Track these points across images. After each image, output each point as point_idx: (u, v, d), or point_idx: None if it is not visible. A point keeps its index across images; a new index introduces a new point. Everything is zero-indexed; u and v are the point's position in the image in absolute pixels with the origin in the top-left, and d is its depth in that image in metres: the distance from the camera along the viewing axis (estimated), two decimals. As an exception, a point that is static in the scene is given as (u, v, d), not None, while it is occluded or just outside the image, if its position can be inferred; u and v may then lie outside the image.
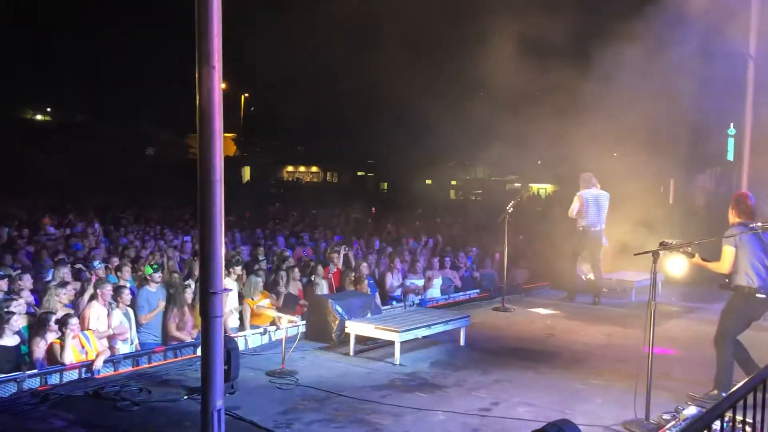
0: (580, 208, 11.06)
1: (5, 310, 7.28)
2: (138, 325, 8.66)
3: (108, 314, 8.13)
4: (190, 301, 8.68)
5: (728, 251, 6.41)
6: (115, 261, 10.50)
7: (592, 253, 11.38)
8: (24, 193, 24.19)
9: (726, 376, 6.29)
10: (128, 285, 9.08)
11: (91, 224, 15.41)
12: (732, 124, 16.27)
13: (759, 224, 6.27)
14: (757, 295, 6.31)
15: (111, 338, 8.02)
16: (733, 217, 6.59)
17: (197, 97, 4.84)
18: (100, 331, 7.85)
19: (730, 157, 16.88)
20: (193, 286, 9.01)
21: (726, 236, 6.43)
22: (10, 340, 7.19)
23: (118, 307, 8.32)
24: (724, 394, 4.66)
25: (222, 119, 4.88)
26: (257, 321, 9.46)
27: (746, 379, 3.53)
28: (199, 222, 5.01)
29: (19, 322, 7.32)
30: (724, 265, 6.46)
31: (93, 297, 8.27)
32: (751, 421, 3.86)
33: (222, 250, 4.97)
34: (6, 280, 8.58)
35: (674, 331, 9.27)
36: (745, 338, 6.53)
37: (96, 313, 7.95)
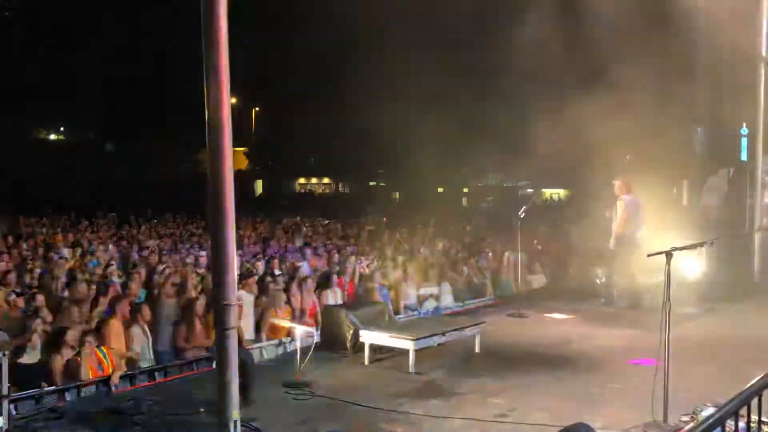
0: (624, 215, 10.65)
1: (28, 324, 7.35)
2: (154, 339, 8.66)
3: (126, 331, 8.12)
4: (201, 313, 8.71)
5: None
6: (131, 276, 10.53)
7: (627, 261, 10.72)
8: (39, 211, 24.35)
9: None
10: (143, 301, 9.09)
11: (104, 242, 15.49)
12: (744, 124, 16.15)
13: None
14: None
15: (129, 359, 8.01)
16: None
17: (206, 111, 4.89)
18: (119, 348, 7.85)
19: (744, 157, 16.73)
20: (204, 299, 9.02)
21: None
22: (30, 357, 7.25)
23: (137, 323, 8.33)
24: None
25: (231, 132, 4.92)
26: (273, 335, 9.43)
27: (759, 377, 3.49)
28: (210, 234, 5.05)
29: (38, 340, 7.38)
30: None
31: (111, 314, 8.26)
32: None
33: (234, 262, 5.00)
34: (22, 297, 8.65)
35: (691, 333, 9.17)
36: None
37: (115, 330, 7.95)
